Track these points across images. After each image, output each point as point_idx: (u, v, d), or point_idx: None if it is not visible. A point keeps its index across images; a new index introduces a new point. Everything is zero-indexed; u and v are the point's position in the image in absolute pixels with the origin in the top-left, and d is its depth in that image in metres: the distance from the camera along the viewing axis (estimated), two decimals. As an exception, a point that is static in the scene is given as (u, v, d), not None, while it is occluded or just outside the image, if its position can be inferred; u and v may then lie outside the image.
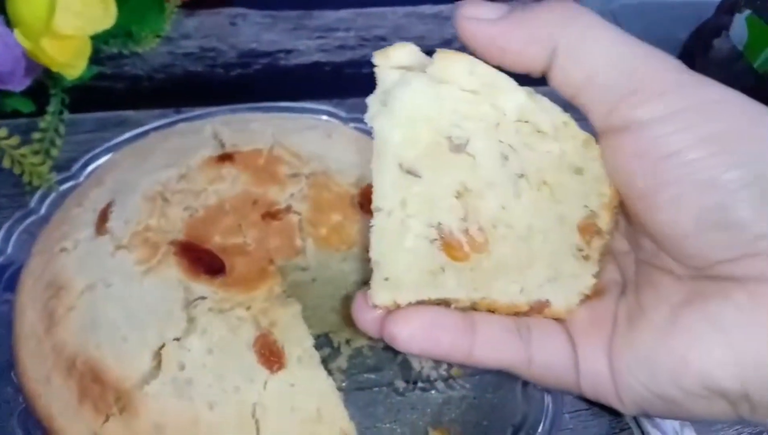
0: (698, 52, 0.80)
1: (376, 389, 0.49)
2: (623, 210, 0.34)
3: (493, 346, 0.33)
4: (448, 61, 0.30)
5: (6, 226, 0.51)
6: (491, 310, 0.34)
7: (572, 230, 0.33)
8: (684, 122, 0.29)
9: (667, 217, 0.30)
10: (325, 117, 0.56)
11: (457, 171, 0.31)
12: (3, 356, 0.47)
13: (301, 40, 0.73)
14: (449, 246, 0.32)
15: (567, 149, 0.31)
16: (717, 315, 0.30)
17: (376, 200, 0.31)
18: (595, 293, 0.35)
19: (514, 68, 0.31)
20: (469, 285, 0.33)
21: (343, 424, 0.38)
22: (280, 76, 0.70)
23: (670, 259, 0.32)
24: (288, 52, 0.72)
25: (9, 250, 0.50)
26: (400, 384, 0.49)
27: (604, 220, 0.33)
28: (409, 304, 0.32)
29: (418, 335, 0.32)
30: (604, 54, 0.29)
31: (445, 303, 0.33)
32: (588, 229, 0.33)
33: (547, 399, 0.45)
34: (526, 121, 0.31)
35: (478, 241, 0.32)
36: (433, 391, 0.49)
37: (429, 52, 0.32)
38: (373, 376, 0.50)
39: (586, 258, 0.34)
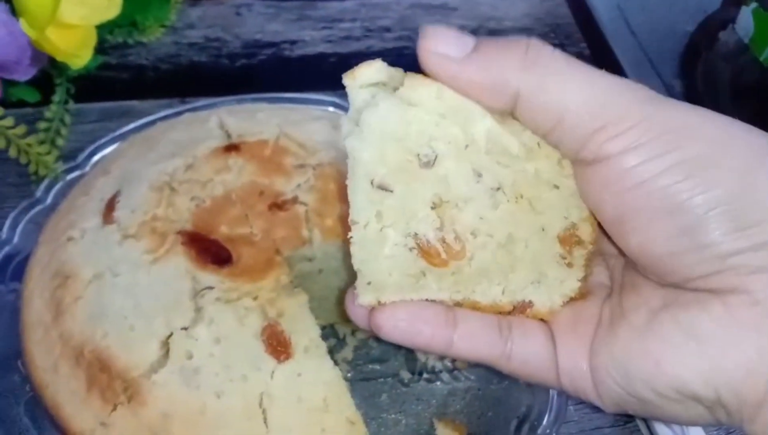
0: (704, 45, 0.80)
1: (381, 380, 0.49)
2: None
3: (472, 341, 0.35)
4: (416, 84, 0.31)
5: (12, 215, 0.51)
6: (476, 309, 0.35)
7: (554, 240, 0.35)
8: (651, 152, 0.29)
9: (639, 240, 0.31)
10: (331, 108, 0.56)
11: (430, 185, 0.32)
12: (10, 345, 0.47)
13: (305, 30, 0.73)
14: (427, 253, 0.34)
15: (541, 167, 0.33)
16: (693, 324, 0.31)
17: (353, 214, 0.33)
18: (581, 295, 0.36)
19: (480, 104, 0.31)
20: (451, 287, 0.35)
21: (350, 413, 0.38)
22: (285, 66, 0.70)
23: None
24: (293, 42, 0.72)
25: (15, 239, 0.50)
26: (405, 375, 0.50)
27: (586, 232, 0.34)
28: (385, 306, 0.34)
29: (401, 326, 0.34)
30: (568, 97, 0.30)
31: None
32: (568, 239, 0.35)
33: (552, 391, 0.45)
34: (496, 144, 0.32)
35: (455, 248, 0.34)
36: (438, 383, 0.49)
37: None
38: (378, 366, 0.50)
39: (570, 265, 0.35)
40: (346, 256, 0.44)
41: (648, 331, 0.32)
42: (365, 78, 0.31)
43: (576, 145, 0.30)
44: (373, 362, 0.50)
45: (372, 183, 0.32)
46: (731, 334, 0.30)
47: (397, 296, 0.34)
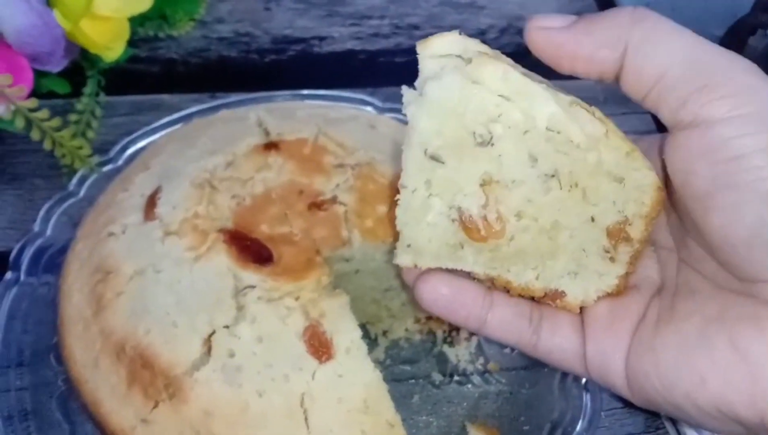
0: (733, 50, 0.79)
1: (412, 381, 0.49)
2: (677, 210, 0.34)
3: (503, 326, 0.37)
4: (484, 63, 0.31)
5: (45, 207, 0.51)
6: (506, 288, 0.37)
7: (602, 232, 0.34)
8: (751, 126, 0.29)
9: (721, 221, 0.30)
10: (369, 108, 0.56)
11: (482, 163, 0.33)
12: (43, 339, 0.47)
13: (334, 27, 0.73)
14: (467, 228, 0.34)
15: (606, 159, 0.32)
16: (745, 345, 0.30)
17: (403, 178, 0.34)
18: (616, 292, 0.36)
19: (586, 74, 0.32)
20: (487, 263, 0.36)
21: (389, 416, 0.38)
22: (314, 63, 0.70)
23: (715, 265, 0.32)
24: (321, 39, 0.72)
25: (49, 231, 0.50)
26: (437, 377, 0.49)
27: (638, 229, 0.34)
28: (431, 272, 0.36)
29: (440, 301, 0.36)
30: (674, 51, 0.30)
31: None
32: (616, 233, 0.34)
33: (586, 397, 0.45)
34: (558, 132, 0.32)
35: (495, 228, 0.34)
36: (469, 385, 0.49)
37: None
38: (409, 368, 0.50)
39: (612, 260, 0.35)
40: (385, 256, 0.45)
41: (698, 345, 0.31)
42: (437, 49, 0.31)
43: (676, 103, 0.30)
44: (404, 363, 0.50)
45: (425, 152, 0.33)
46: None
47: (433, 263, 0.36)
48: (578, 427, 0.45)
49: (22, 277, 0.48)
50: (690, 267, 0.34)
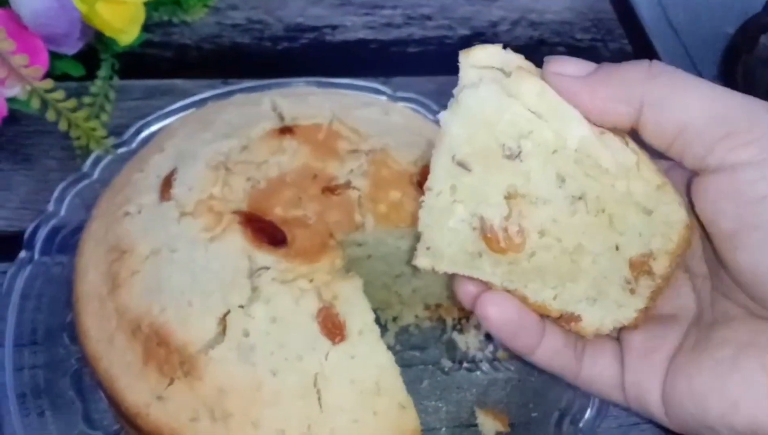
0: (744, 48, 0.79)
1: (422, 367, 0.50)
2: (711, 245, 0.34)
3: (553, 355, 0.37)
4: (522, 78, 0.32)
5: (59, 188, 0.52)
6: (523, 303, 0.36)
7: (624, 262, 0.35)
8: None
9: (748, 259, 0.31)
10: (384, 98, 0.56)
11: (509, 176, 0.33)
12: (56, 318, 0.47)
13: (347, 16, 0.73)
14: (487, 237, 0.34)
15: (636, 189, 0.33)
16: None
17: (430, 180, 0.34)
18: (633, 325, 0.36)
19: (601, 123, 0.32)
20: (504, 276, 0.35)
21: (401, 398, 0.39)
22: (326, 51, 0.70)
23: (745, 296, 0.33)
24: (334, 27, 0.72)
25: (62, 212, 0.51)
26: (446, 363, 0.50)
27: (662, 265, 0.34)
28: (497, 291, 0.36)
29: (509, 325, 0.36)
30: (694, 104, 0.30)
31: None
32: (639, 265, 0.34)
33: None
34: (588, 156, 0.32)
35: (515, 241, 0.34)
36: (478, 372, 0.50)
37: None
38: (418, 353, 0.51)
39: (632, 292, 0.35)
40: (398, 241, 0.45)
41: (731, 370, 0.32)
42: (478, 59, 0.32)
43: (702, 150, 0.30)
44: (414, 349, 0.51)
45: (453, 158, 0.33)
46: None
47: (450, 268, 0.36)
48: (587, 416, 0.45)
49: (36, 256, 0.48)
50: (723, 295, 0.35)
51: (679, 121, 0.30)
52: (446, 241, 0.35)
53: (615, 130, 0.33)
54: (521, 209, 0.33)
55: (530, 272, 0.35)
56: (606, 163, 0.32)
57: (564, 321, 0.36)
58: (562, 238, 0.34)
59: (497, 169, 0.33)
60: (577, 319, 0.36)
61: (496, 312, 0.35)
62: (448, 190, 0.34)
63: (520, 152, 0.32)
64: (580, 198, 0.33)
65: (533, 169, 0.33)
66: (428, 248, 0.36)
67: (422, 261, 0.36)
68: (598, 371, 0.37)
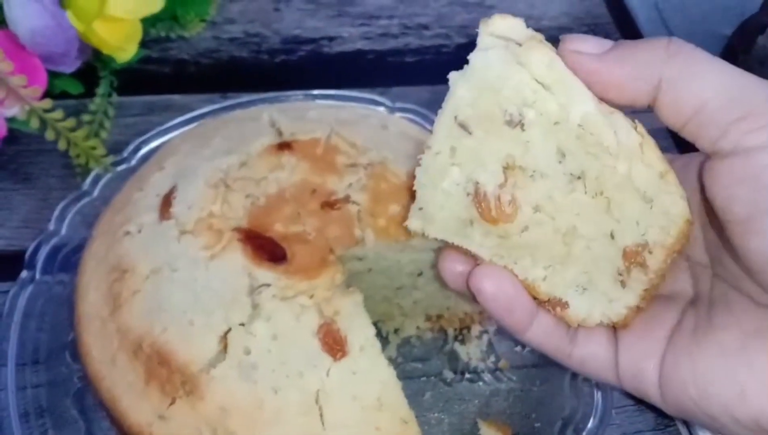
0: (741, 49, 0.79)
1: (424, 379, 0.50)
2: (715, 228, 0.34)
3: (545, 334, 0.37)
4: (533, 47, 0.31)
5: (60, 206, 0.52)
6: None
7: (618, 251, 0.34)
8: None
9: (761, 245, 0.30)
10: (382, 109, 0.56)
11: (508, 144, 0.33)
12: (58, 337, 0.47)
13: (344, 27, 0.73)
14: (479, 203, 0.34)
15: (637, 174, 0.32)
16: None
17: (430, 139, 0.35)
18: (622, 325, 0.36)
19: (617, 102, 0.32)
20: (494, 249, 0.35)
21: (403, 413, 0.39)
22: (324, 63, 0.70)
23: (754, 285, 0.32)
24: (331, 39, 0.72)
25: (63, 230, 0.51)
26: (448, 374, 0.50)
27: (656, 259, 0.33)
28: (492, 264, 0.36)
29: (503, 298, 0.35)
30: (711, 84, 0.30)
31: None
32: (632, 256, 0.34)
33: (597, 395, 0.45)
34: (591, 133, 0.31)
35: (506, 211, 0.34)
36: (480, 383, 0.50)
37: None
38: (420, 365, 0.51)
39: (623, 285, 0.34)
40: (398, 255, 0.45)
41: (738, 355, 0.31)
42: (497, 28, 0.32)
43: (716, 132, 0.30)
44: (416, 361, 0.51)
45: (455, 118, 0.33)
46: None
47: (441, 234, 0.36)
48: (589, 425, 0.45)
49: (38, 275, 0.49)
50: (726, 283, 0.35)
51: (696, 100, 0.30)
52: (439, 203, 0.35)
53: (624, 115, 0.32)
54: (517, 180, 0.33)
55: (520, 248, 0.35)
56: (608, 141, 0.31)
57: (551, 305, 0.36)
58: (556, 216, 0.34)
59: (497, 135, 0.33)
60: (564, 305, 0.36)
61: (491, 285, 0.35)
62: (447, 151, 0.34)
63: (521, 121, 0.32)
64: (579, 177, 0.33)
65: (534, 140, 0.32)
66: (421, 209, 0.36)
67: (414, 223, 0.37)
68: (591, 351, 0.37)
